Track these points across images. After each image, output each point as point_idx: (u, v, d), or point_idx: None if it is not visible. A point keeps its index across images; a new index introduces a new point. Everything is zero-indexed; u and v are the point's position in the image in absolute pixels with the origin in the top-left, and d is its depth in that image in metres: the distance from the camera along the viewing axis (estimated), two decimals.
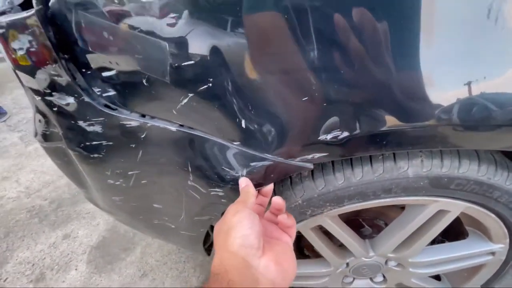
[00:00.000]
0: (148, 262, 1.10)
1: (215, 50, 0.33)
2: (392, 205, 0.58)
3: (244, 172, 0.39)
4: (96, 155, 0.52)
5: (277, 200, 0.37)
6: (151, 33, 0.34)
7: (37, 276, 1.12)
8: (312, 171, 0.42)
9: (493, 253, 0.57)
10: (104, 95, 0.45)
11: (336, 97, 0.32)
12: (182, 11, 0.32)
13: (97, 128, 0.48)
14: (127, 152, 0.49)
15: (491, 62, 0.31)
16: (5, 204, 1.49)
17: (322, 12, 0.30)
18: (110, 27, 0.36)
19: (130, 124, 0.45)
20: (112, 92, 0.44)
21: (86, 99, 0.44)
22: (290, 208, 0.44)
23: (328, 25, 0.30)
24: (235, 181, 0.41)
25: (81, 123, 0.48)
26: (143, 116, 0.45)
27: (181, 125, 0.43)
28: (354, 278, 0.65)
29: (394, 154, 0.40)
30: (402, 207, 0.63)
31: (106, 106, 0.45)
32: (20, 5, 0.53)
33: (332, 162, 0.41)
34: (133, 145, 0.48)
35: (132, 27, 0.35)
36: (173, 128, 0.43)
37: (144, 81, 0.39)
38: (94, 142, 0.50)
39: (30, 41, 0.40)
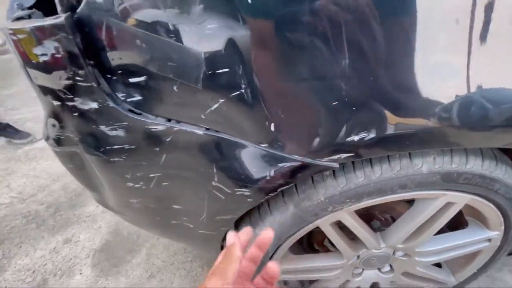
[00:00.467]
0: (155, 263, 1.10)
1: (249, 57, 0.35)
2: (399, 200, 0.62)
3: (272, 172, 0.42)
4: (116, 159, 0.53)
5: (274, 268, 0.31)
6: (187, 42, 0.35)
7: (39, 283, 1.10)
8: (334, 169, 0.45)
9: (489, 240, 0.62)
10: (128, 100, 0.45)
11: (364, 101, 0.34)
12: (218, 20, 0.34)
13: (120, 133, 0.49)
14: (150, 155, 0.50)
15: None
16: None
17: (352, 22, 0.32)
18: (143, 35, 0.37)
19: (155, 128, 0.46)
20: (137, 98, 0.45)
21: (111, 104, 0.45)
22: (313, 205, 0.47)
23: (357, 35, 0.32)
24: (262, 181, 0.43)
25: (103, 127, 0.48)
26: (169, 120, 0.46)
27: (207, 128, 0.44)
28: (363, 269, 0.69)
29: (409, 153, 0.43)
30: (407, 201, 0.67)
31: (130, 110, 0.46)
32: (33, 8, 0.52)
33: (353, 161, 0.44)
34: (157, 149, 0.49)
35: (167, 35, 0.36)
36: (200, 132, 0.44)
37: (175, 87, 0.40)
38: (116, 146, 0.51)
39: (56, 47, 0.40)
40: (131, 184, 0.57)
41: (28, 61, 0.46)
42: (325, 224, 0.51)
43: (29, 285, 1.09)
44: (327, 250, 0.76)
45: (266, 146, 0.41)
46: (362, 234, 0.55)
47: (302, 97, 0.36)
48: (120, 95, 0.45)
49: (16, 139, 1.85)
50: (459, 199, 0.50)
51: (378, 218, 0.66)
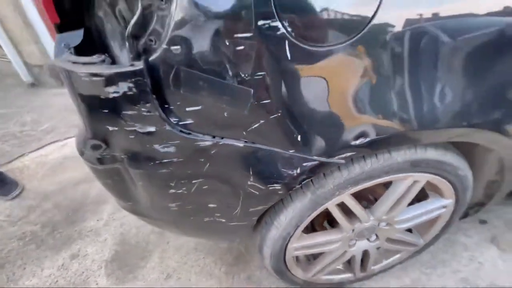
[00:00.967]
0: (169, 264, 1.20)
1: (284, 94, 0.50)
2: (379, 184, 0.81)
3: (298, 170, 0.57)
4: (164, 171, 0.64)
5: None
6: (240, 82, 0.49)
7: None
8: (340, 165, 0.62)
9: (445, 207, 0.84)
10: (180, 123, 0.58)
11: (364, 115, 0.52)
12: (262, 70, 0.48)
13: (171, 149, 0.60)
14: (195, 165, 0.62)
15: None
16: None
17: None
18: (205, 78, 0.50)
19: (203, 143, 0.59)
20: (189, 121, 0.57)
21: (167, 127, 0.57)
22: (324, 192, 0.64)
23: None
24: (290, 177, 0.58)
25: (156, 146, 0.60)
26: (213, 137, 0.59)
27: (246, 141, 0.58)
28: (356, 240, 0.87)
29: (389, 149, 0.62)
30: (384, 185, 0.87)
31: (181, 131, 0.58)
32: (78, 49, 0.62)
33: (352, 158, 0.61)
34: (202, 159, 0.61)
35: (222, 78, 0.49)
36: (241, 144, 0.58)
37: (225, 113, 0.54)
38: (165, 160, 0.62)
39: (129, 87, 0.52)
40: (174, 191, 0.68)
41: (91, 96, 0.56)
42: (332, 205, 0.68)
43: None
44: (324, 229, 0.94)
45: (293, 151, 0.56)
46: (358, 211, 0.73)
47: (319, 118, 0.52)
48: (173, 119, 0.57)
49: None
50: (422, 178, 0.71)
51: (365, 198, 0.84)
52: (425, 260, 1.13)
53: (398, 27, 0.47)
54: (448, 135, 0.63)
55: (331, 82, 0.50)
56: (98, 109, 0.58)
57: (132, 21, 0.48)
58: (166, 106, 0.55)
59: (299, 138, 0.55)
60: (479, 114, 0.58)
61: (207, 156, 0.60)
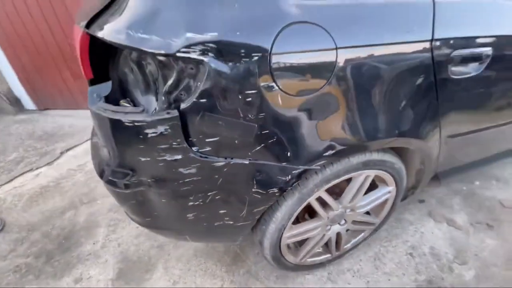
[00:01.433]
0: (174, 273, 1.33)
1: (277, 127, 0.73)
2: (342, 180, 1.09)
3: (290, 176, 0.80)
4: (185, 188, 0.83)
5: None
6: (248, 121, 0.71)
7: None
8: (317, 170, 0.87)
9: (390, 192, 1.14)
10: (200, 150, 0.77)
11: (331, 135, 0.77)
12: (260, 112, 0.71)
13: (192, 170, 0.80)
14: (211, 181, 0.82)
15: None
16: None
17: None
18: (224, 119, 0.70)
19: (218, 164, 0.79)
20: (208, 149, 0.77)
21: (191, 155, 0.76)
22: (307, 190, 0.88)
23: None
24: (284, 182, 0.81)
25: (181, 169, 0.79)
26: (225, 158, 0.80)
27: (250, 159, 0.80)
28: (331, 226, 1.13)
29: (348, 156, 0.88)
30: (346, 181, 1.15)
31: (201, 156, 0.78)
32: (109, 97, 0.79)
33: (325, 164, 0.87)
34: (216, 176, 0.81)
35: (236, 118, 0.70)
36: (246, 162, 0.79)
37: (236, 141, 0.75)
38: (187, 180, 0.81)
39: (165, 129, 0.70)
40: (192, 203, 0.87)
41: (129, 136, 0.73)
42: (313, 199, 0.93)
43: None
44: (304, 220, 1.19)
45: (285, 163, 0.79)
46: (331, 202, 0.99)
47: (302, 139, 0.76)
48: (195, 148, 0.76)
49: None
50: (371, 173, 0.99)
51: (335, 192, 1.11)
52: (383, 236, 1.45)
53: (345, 85, 0.74)
54: (385, 143, 0.92)
55: (308, 116, 0.74)
56: (134, 145, 0.75)
57: (169, 82, 0.68)
58: (190, 139, 0.75)
59: (289, 154, 0.78)
60: (401, 128, 0.88)
61: (220, 173, 0.80)
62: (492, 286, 1.22)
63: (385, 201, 1.18)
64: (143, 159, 0.77)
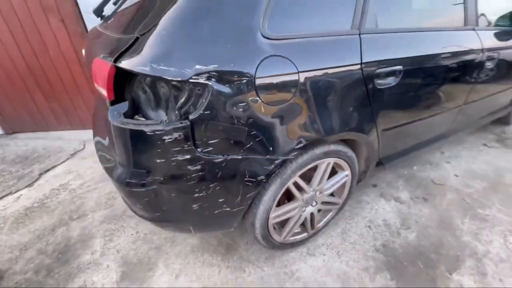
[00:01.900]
0: (175, 267, 1.49)
1: (262, 126, 1.00)
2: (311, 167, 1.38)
3: (273, 166, 1.07)
4: (192, 182, 1.05)
5: None
6: (240, 125, 0.96)
7: None
8: (292, 159, 1.15)
9: (347, 175, 1.47)
10: (204, 150, 1.01)
11: (299, 132, 1.06)
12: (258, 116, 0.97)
13: (198, 167, 1.03)
14: (212, 174, 1.05)
15: None
16: None
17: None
18: (222, 125, 0.95)
19: (217, 160, 1.03)
20: (210, 148, 1.01)
21: (198, 154, 1.00)
22: (286, 175, 1.15)
23: None
24: (269, 170, 1.07)
25: (189, 166, 1.02)
26: (223, 155, 1.04)
27: (242, 155, 1.05)
28: (305, 207, 1.42)
29: (313, 148, 1.18)
30: (313, 168, 1.45)
31: (204, 155, 1.02)
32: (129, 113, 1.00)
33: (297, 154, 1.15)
34: (216, 170, 1.05)
35: (231, 124, 0.96)
36: (239, 157, 1.05)
37: (231, 142, 1.00)
38: (194, 175, 1.04)
39: (179, 135, 0.93)
40: (197, 195, 1.09)
41: (148, 142, 0.95)
42: (291, 184, 1.21)
43: None
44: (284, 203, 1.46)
45: (269, 156, 1.06)
46: (304, 186, 1.28)
47: (280, 137, 1.04)
48: (200, 149, 1.00)
49: None
50: (331, 161, 1.31)
51: (305, 179, 1.40)
52: (347, 216, 1.78)
53: (306, 96, 1.04)
54: (339, 137, 1.24)
55: (282, 120, 1.03)
56: (152, 150, 0.96)
57: (182, 100, 0.91)
58: (197, 142, 0.98)
59: (271, 148, 1.05)
60: (349, 125, 1.20)
61: (220, 167, 1.04)
62: (429, 242, 1.59)
63: (344, 184, 1.50)
64: (158, 160, 0.99)
